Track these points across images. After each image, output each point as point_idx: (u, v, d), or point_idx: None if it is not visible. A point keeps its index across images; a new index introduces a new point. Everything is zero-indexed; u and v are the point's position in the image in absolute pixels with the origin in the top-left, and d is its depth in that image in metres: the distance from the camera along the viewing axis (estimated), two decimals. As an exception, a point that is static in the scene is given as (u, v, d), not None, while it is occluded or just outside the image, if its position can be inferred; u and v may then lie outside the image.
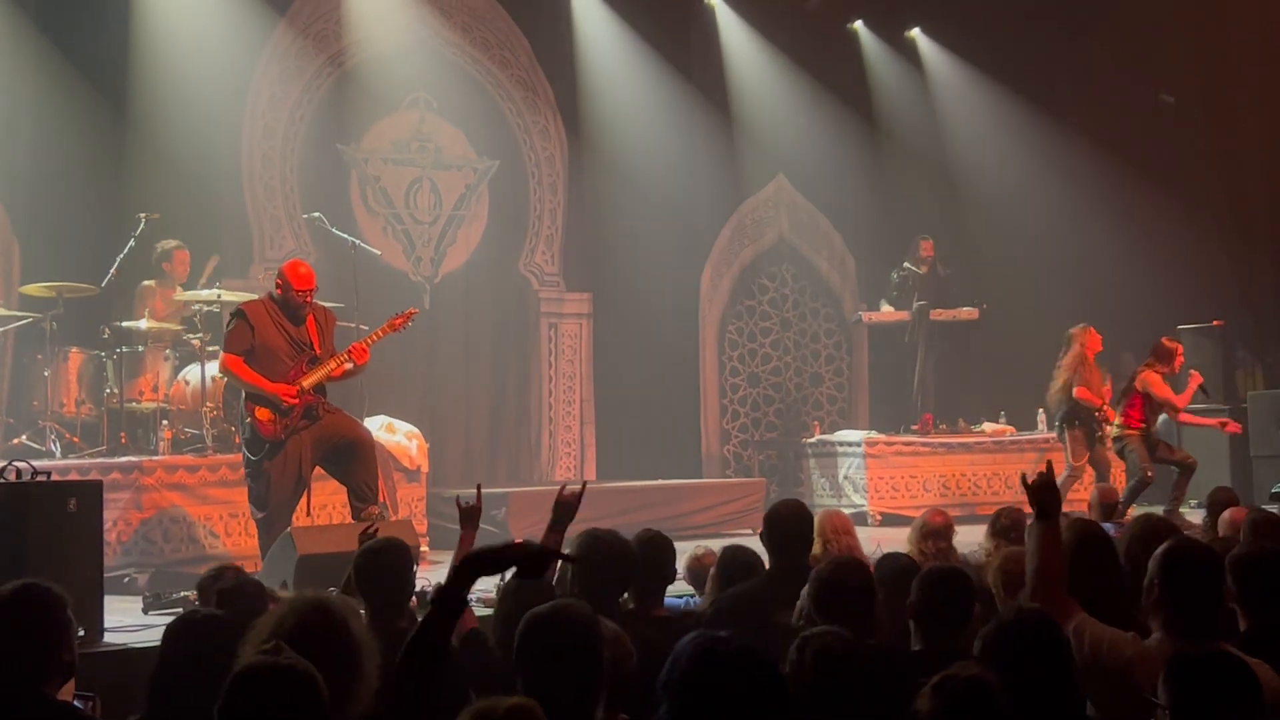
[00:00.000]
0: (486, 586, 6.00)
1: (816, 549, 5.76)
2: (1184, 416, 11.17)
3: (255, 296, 8.47)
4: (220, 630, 3.90)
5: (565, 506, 5.23)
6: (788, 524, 5.32)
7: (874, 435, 12.86)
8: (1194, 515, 10.39)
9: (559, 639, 3.30)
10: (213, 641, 3.79)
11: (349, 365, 7.87)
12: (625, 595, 4.86)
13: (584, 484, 5.53)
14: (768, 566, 5.28)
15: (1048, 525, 4.00)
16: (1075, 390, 10.78)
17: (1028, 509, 4.24)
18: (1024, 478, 4.20)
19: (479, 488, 5.33)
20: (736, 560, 5.34)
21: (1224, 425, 11.55)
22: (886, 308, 13.56)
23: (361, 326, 9.12)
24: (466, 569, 3.12)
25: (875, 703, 3.42)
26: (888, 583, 4.58)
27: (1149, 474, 10.46)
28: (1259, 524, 5.59)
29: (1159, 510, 9.43)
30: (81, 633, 3.93)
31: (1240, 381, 13.58)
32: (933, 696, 3.12)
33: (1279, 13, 13.76)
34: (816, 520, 6.01)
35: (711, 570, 5.47)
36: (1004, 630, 3.57)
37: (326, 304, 9.21)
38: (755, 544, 5.61)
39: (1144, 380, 10.60)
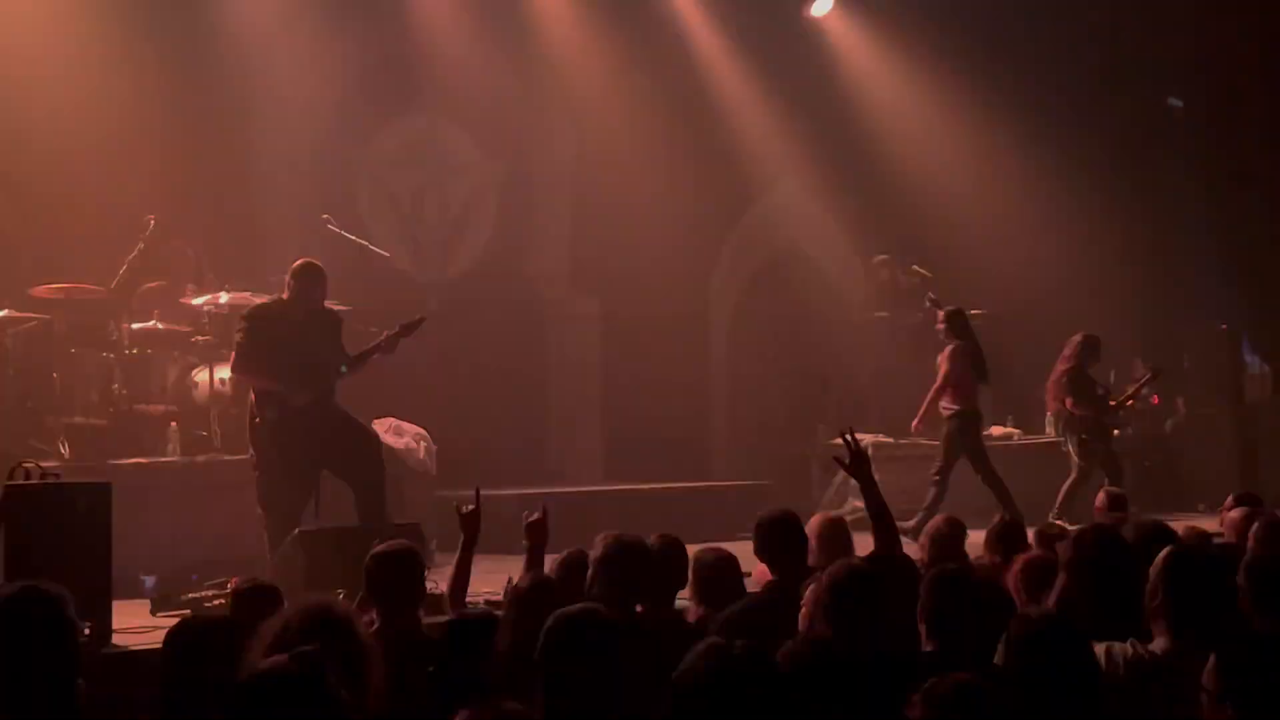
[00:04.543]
0: (494, 589, 6.01)
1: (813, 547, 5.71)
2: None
3: (265, 298, 8.47)
4: (222, 633, 3.92)
5: (537, 530, 5.30)
6: (778, 533, 5.24)
7: (882, 439, 12.81)
8: (1201, 520, 10.39)
9: (584, 641, 3.32)
10: (216, 644, 3.80)
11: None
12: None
13: (477, 490, 5.59)
14: (769, 578, 5.22)
15: None
16: (1067, 403, 11.06)
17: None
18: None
19: (477, 490, 5.33)
20: (706, 564, 5.18)
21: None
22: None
23: (371, 329, 9.11)
24: None
25: (890, 705, 3.43)
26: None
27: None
28: (1268, 528, 5.59)
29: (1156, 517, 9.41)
30: (86, 630, 3.93)
31: (1247, 385, 13.55)
32: (922, 704, 3.14)
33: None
34: (811, 526, 5.98)
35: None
36: (1028, 634, 3.65)
37: (335, 306, 9.21)
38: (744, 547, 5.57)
39: None
